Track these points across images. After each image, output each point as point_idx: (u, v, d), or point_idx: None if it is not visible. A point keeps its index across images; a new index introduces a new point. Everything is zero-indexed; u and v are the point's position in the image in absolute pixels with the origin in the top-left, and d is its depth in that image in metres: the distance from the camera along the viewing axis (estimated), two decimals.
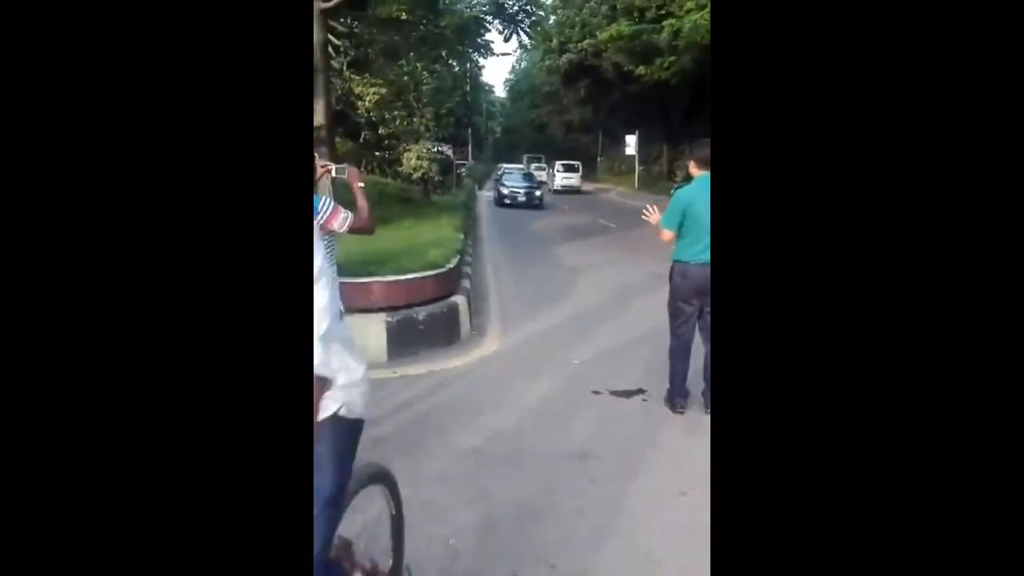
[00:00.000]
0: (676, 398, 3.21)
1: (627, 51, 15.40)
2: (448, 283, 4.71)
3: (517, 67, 51.33)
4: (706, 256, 2.92)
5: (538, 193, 16.98)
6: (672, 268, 3.13)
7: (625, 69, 17.41)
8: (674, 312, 3.18)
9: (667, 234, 3.08)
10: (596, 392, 3.46)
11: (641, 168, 27.10)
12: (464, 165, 27.89)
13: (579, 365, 3.92)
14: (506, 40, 8.02)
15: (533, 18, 7.12)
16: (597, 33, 17.57)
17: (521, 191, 16.97)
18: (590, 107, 31.69)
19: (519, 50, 41.07)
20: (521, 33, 7.16)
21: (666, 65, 14.61)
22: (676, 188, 3.29)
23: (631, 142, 23.72)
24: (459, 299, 4.51)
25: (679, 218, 2.99)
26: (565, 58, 23.12)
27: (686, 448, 2.79)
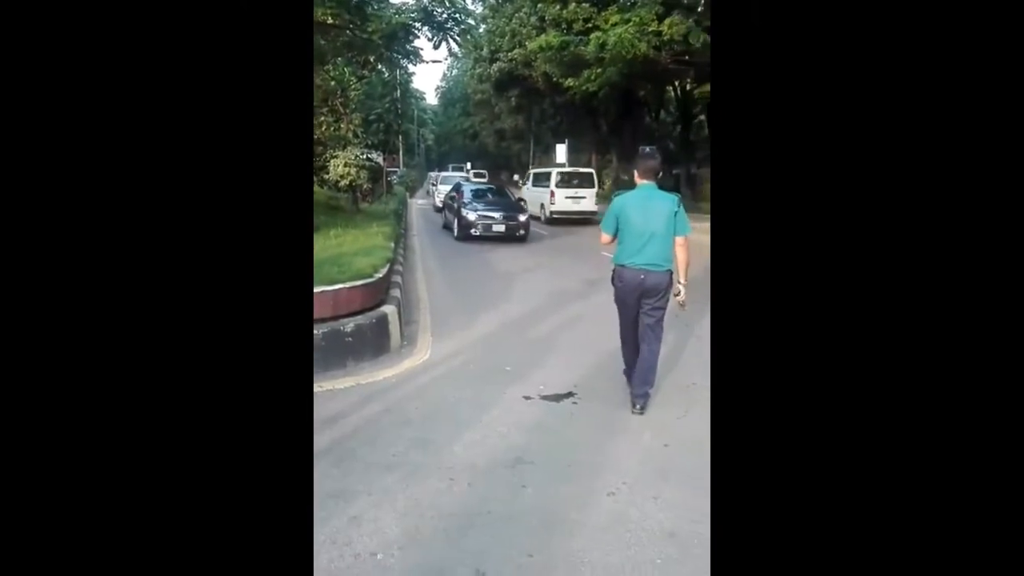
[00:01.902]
0: (636, 396, 3.32)
1: (555, 62, 15.71)
2: (377, 293, 4.62)
3: (449, 75, 51.38)
4: (636, 260, 3.12)
5: (523, 218, 11.22)
6: (613, 270, 3.33)
7: (555, 80, 17.74)
8: (618, 310, 3.40)
9: (605, 237, 3.32)
10: (527, 397, 3.49)
11: None
12: (395, 172, 27.49)
13: (511, 372, 3.94)
14: (435, 47, 7.96)
15: (462, 26, 7.15)
16: (526, 43, 17.83)
17: (496, 219, 10.98)
18: (522, 116, 32.11)
19: (450, 58, 41.15)
20: (450, 41, 7.17)
21: (593, 77, 15.01)
22: (615, 195, 3.54)
23: (561, 151, 24.20)
24: (388, 309, 4.43)
25: (614, 223, 3.21)
26: (496, 67, 23.31)
27: (615, 449, 2.86)
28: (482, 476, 2.57)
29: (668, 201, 3.15)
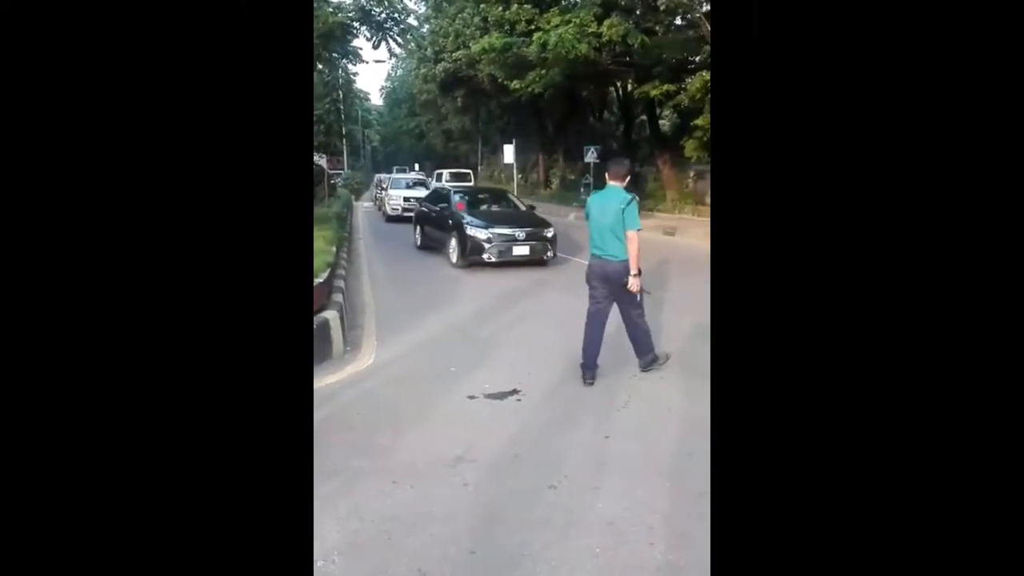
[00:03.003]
0: (586, 370, 3.73)
1: (499, 63, 15.77)
2: (319, 298, 4.52)
3: (394, 75, 50.69)
4: (597, 251, 3.69)
5: (549, 233, 8.18)
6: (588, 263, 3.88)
7: (500, 81, 17.80)
8: (589, 295, 3.84)
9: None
10: (471, 397, 3.50)
11: (519, 176, 27.86)
12: (339, 175, 26.89)
13: (456, 372, 3.94)
14: (375, 47, 7.84)
15: (402, 26, 7.08)
16: (470, 44, 17.80)
17: (517, 238, 7.94)
18: (469, 116, 32.06)
19: (393, 58, 40.63)
20: (390, 40, 7.09)
21: (537, 79, 15.16)
22: (592, 194, 4.13)
23: (508, 151, 24.32)
24: (330, 314, 4.34)
25: (586, 217, 3.80)
26: (441, 67, 23.15)
27: (557, 443, 2.91)
28: (424, 477, 2.56)
29: (616, 201, 3.60)
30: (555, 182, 26.00)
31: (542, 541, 2.12)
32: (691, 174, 17.17)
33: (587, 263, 3.85)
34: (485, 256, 7.86)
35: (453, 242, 8.29)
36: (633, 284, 3.63)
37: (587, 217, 3.78)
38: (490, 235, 7.87)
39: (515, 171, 27.51)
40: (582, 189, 19.40)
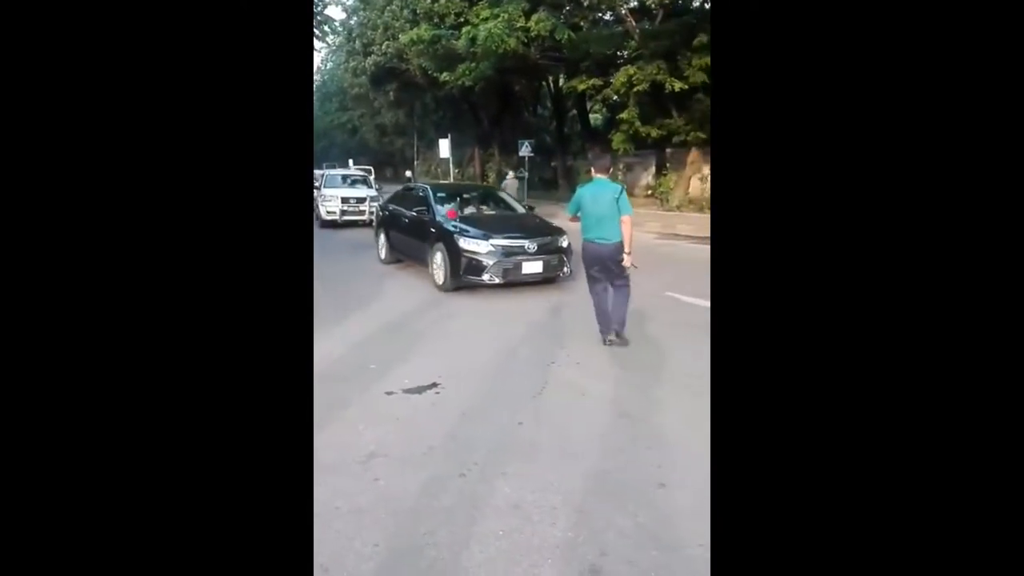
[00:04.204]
0: (603, 334, 4.47)
1: (428, 56, 15.62)
2: None
3: (324, 68, 49.13)
4: (594, 236, 4.31)
5: (564, 243, 6.31)
6: (582, 246, 4.48)
7: (430, 73, 17.62)
8: (587, 277, 4.56)
9: (569, 217, 4.65)
10: (389, 393, 3.48)
11: (456, 170, 27.73)
12: None
13: (375, 369, 3.91)
14: None
15: (319, 17, 6.87)
16: (400, 36, 17.52)
17: (528, 251, 6.03)
18: (403, 110, 31.56)
19: (322, 50, 39.38)
20: None
21: (467, 71, 15.11)
22: (579, 186, 4.63)
23: (444, 146, 24.15)
24: None
25: (576, 207, 4.43)
26: (371, 60, 22.65)
27: (471, 432, 2.95)
28: (332, 474, 2.54)
29: (612, 190, 4.30)
30: (491, 176, 26.05)
31: (448, 528, 2.15)
32: (620, 166, 17.63)
33: (583, 248, 4.45)
34: (486, 277, 5.86)
35: (439, 257, 6.24)
36: (627, 260, 4.29)
37: (577, 208, 4.39)
38: (491, 248, 5.89)
39: (451, 165, 27.38)
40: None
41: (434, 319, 5.27)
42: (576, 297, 5.81)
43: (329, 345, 4.28)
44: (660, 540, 2.08)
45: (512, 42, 13.00)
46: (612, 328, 4.48)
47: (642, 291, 6.20)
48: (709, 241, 8.56)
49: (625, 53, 15.01)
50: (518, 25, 13.08)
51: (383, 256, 8.07)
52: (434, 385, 3.59)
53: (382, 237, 8.05)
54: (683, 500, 2.35)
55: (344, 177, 14.27)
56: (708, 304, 5.61)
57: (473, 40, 13.20)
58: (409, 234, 7.24)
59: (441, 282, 6.24)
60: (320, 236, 11.12)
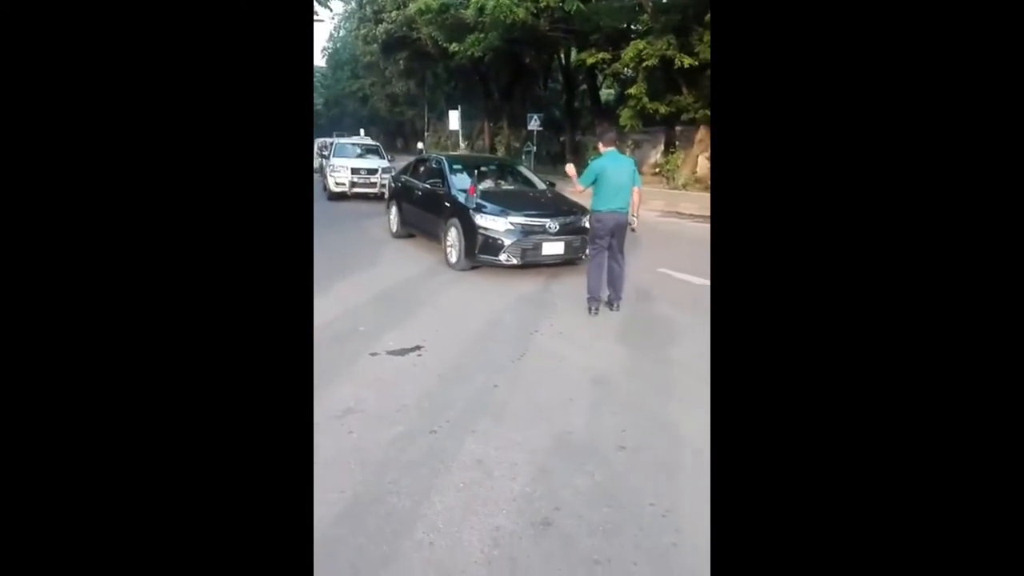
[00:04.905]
0: (592, 304, 4.60)
1: (437, 25, 15.42)
2: None
3: (336, 35, 48.54)
4: (612, 206, 4.50)
5: (586, 221, 5.10)
6: (590, 216, 4.67)
7: (440, 43, 17.41)
8: (591, 245, 4.71)
9: (579, 188, 4.69)
10: (373, 354, 3.58)
11: (465, 143, 27.59)
12: None
13: (364, 332, 4.00)
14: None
15: None
16: (410, 4, 17.27)
17: (549, 229, 5.59)
18: (413, 80, 31.25)
19: (335, 17, 38.84)
20: None
21: (476, 42, 14.92)
22: (591, 159, 4.73)
23: (454, 118, 23.99)
24: None
25: (592, 179, 4.52)
26: (382, 28, 22.39)
27: (447, 392, 3.04)
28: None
29: (629, 163, 4.65)
30: (500, 149, 25.88)
31: (411, 479, 2.25)
32: (629, 142, 17.47)
33: (595, 218, 4.58)
34: (503, 257, 5.49)
35: (453, 234, 5.94)
36: (634, 223, 4.72)
37: (593, 179, 4.49)
38: (510, 226, 5.53)
39: (460, 138, 27.22)
40: (523, 157, 19.37)
41: (432, 289, 5.35)
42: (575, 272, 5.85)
43: (324, 309, 4.36)
44: (613, 498, 2.17)
45: (521, 12, 12.81)
46: (604, 298, 4.65)
47: (636, 267, 6.24)
48: (709, 220, 8.52)
49: (638, 27, 14.75)
50: None
51: (395, 229, 7.83)
52: (417, 348, 3.68)
53: (393, 209, 7.82)
54: (641, 462, 2.43)
55: (355, 146, 13.46)
56: (699, 281, 5.65)
57: (481, 10, 13.03)
58: (422, 207, 6.95)
59: (455, 261, 5.93)
60: (327, 210, 10.59)
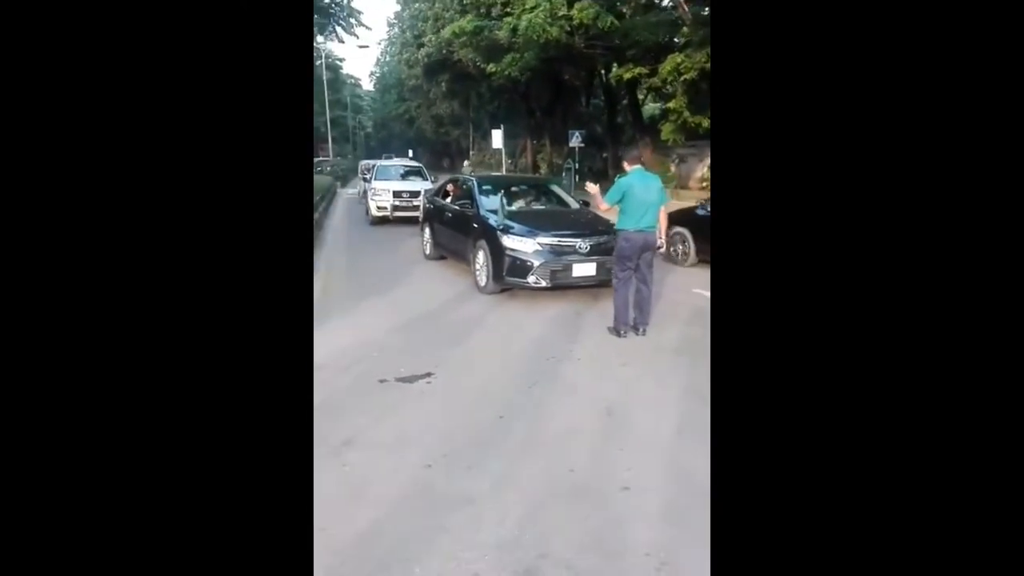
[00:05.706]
0: (620, 326, 4.47)
1: (473, 47, 15.65)
2: None
3: (383, 60, 50.26)
4: (641, 224, 4.34)
5: None
6: (617, 235, 4.47)
7: (478, 64, 17.66)
8: (619, 265, 4.49)
9: (604, 206, 4.60)
10: (382, 381, 3.53)
11: (508, 162, 27.78)
12: (326, 162, 26.74)
13: (377, 357, 3.97)
14: (321, 32, 7.75)
15: (346, 11, 7.00)
16: (446, 27, 17.65)
17: (580, 249, 5.36)
18: (457, 101, 31.87)
19: (380, 43, 40.16)
20: (336, 27, 7.00)
21: (512, 62, 15.04)
22: (618, 177, 4.60)
23: (497, 136, 24.22)
24: None
25: (619, 197, 4.37)
26: (423, 52, 22.96)
27: (448, 423, 2.95)
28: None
29: (656, 180, 4.49)
30: (543, 167, 25.90)
31: (395, 519, 2.16)
32: (673, 157, 17.10)
33: (623, 237, 4.37)
34: (531, 279, 5.28)
35: (481, 256, 5.79)
36: (661, 243, 4.56)
37: (620, 197, 4.34)
38: (538, 247, 5.34)
39: (504, 156, 27.45)
40: (563, 174, 19.29)
41: (456, 313, 5.30)
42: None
43: (341, 333, 4.38)
44: (605, 546, 2.01)
45: (554, 31, 12.82)
46: (631, 322, 4.48)
47: (670, 287, 6.02)
48: None
49: (679, 40, 14.51)
50: (560, 14, 12.88)
51: (427, 252, 7.76)
52: (428, 375, 3.61)
53: (427, 231, 7.78)
54: (643, 506, 2.26)
55: (397, 168, 12.86)
56: None
57: (514, 30, 13.12)
58: (453, 228, 6.84)
59: (483, 283, 5.76)
60: (366, 235, 10.41)
